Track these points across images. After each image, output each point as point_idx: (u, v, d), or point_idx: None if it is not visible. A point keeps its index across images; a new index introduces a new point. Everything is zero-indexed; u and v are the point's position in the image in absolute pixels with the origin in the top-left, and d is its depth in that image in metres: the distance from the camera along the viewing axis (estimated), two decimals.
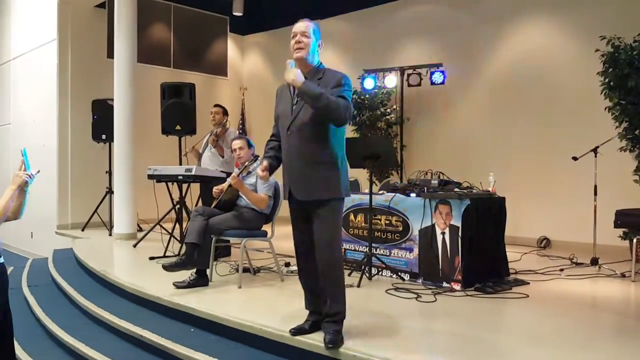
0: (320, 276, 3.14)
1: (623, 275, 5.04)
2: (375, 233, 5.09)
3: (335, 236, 3.16)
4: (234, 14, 10.18)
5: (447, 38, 8.21)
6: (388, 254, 5.02)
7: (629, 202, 5.64)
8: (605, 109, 5.95)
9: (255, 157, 4.76)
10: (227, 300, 4.19)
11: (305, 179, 3.13)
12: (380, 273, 5.01)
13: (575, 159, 5.72)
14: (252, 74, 11.26)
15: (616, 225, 5.07)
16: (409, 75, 8.04)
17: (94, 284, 5.33)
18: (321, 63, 3.24)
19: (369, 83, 8.28)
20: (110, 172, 7.80)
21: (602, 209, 5.59)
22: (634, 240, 5.05)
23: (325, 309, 3.15)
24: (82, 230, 8.09)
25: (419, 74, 7.99)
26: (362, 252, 5.18)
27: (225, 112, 6.37)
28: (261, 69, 11.06)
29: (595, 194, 5.68)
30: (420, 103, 8.37)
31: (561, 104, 7.13)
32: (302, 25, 3.18)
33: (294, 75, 3.00)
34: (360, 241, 5.28)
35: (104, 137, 7.81)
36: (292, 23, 3.22)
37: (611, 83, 5.83)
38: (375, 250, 5.05)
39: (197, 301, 4.02)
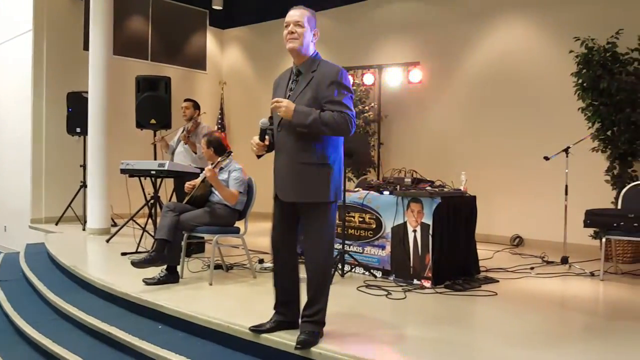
0: (307, 277, 3.06)
1: (592, 274, 5.11)
2: (349, 230, 5.10)
3: (321, 241, 3.02)
4: (214, 7, 10.09)
5: (425, 36, 8.22)
6: (361, 251, 5.03)
7: (599, 201, 5.72)
8: (579, 109, 6.03)
9: (229, 153, 4.74)
10: (197, 298, 4.17)
11: (291, 180, 2.98)
12: (353, 270, 5.03)
13: (546, 158, 5.76)
14: (231, 68, 11.17)
15: (585, 225, 5.13)
16: (386, 73, 8.05)
17: (64, 280, 5.26)
18: (317, 53, 3.07)
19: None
20: (84, 166, 7.69)
21: (573, 208, 5.66)
22: (603, 240, 5.13)
23: (305, 308, 3.08)
24: (56, 224, 7.99)
25: (397, 72, 7.99)
26: (336, 249, 5.14)
27: (196, 106, 6.27)
28: (241, 63, 10.97)
29: (566, 193, 5.75)
30: (398, 101, 8.39)
31: (535, 104, 7.18)
32: (296, 13, 2.96)
33: (286, 108, 2.87)
34: None
35: (78, 130, 7.69)
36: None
37: (584, 84, 5.91)
38: (349, 248, 5.06)
39: (166, 298, 3.98)
